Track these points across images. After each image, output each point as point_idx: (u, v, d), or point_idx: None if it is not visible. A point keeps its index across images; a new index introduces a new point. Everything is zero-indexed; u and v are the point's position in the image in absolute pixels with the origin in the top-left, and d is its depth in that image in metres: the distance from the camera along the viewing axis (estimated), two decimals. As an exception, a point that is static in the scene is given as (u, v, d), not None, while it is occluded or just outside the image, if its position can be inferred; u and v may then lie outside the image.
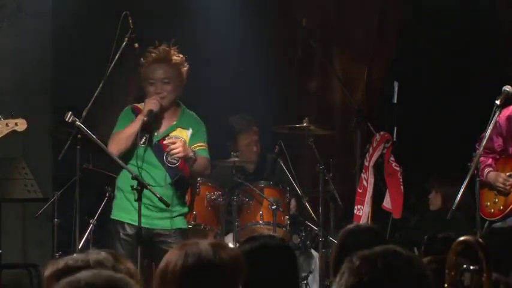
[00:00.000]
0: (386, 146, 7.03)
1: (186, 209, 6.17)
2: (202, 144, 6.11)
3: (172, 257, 2.83)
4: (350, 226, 3.93)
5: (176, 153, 5.90)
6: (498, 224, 5.89)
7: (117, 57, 6.07)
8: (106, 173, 6.86)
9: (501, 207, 5.94)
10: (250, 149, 7.29)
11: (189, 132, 6.10)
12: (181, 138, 6.02)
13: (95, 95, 6.07)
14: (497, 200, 5.96)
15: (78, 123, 5.79)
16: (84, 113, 5.98)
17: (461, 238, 2.32)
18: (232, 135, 7.30)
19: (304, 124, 6.85)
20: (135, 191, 5.68)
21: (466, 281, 2.28)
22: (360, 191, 7.00)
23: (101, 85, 6.08)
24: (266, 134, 7.61)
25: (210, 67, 8.04)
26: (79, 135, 5.97)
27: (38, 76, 8.08)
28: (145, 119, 5.90)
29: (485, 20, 7.83)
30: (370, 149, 7.07)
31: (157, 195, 5.73)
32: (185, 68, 6.08)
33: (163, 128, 6.07)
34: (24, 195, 6.64)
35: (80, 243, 6.29)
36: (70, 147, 6.00)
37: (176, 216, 6.05)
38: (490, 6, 7.73)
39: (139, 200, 5.65)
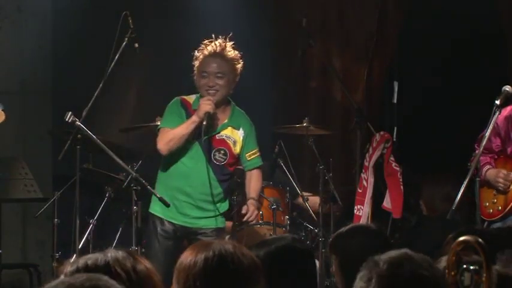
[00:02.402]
0: (386, 146, 7.03)
1: (227, 206, 6.16)
2: (256, 150, 6.15)
3: (199, 254, 2.77)
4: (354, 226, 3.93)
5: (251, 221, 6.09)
6: (497, 225, 5.89)
7: (117, 57, 6.07)
8: (106, 173, 6.86)
9: (500, 208, 5.94)
10: None
11: (240, 132, 6.08)
12: (252, 202, 6.07)
13: (95, 95, 6.06)
14: (495, 200, 5.96)
15: (78, 123, 5.79)
16: (84, 113, 5.98)
17: (461, 238, 2.32)
18: None
19: (304, 124, 6.85)
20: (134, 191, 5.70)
21: (466, 281, 2.28)
22: (360, 191, 7.00)
23: (101, 85, 6.08)
24: (266, 134, 7.61)
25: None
26: (79, 135, 5.98)
27: (38, 76, 8.08)
28: (204, 123, 5.82)
29: (485, 20, 7.83)
30: (370, 149, 7.07)
31: (157, 195, 5.73)
32: (239, 65, 6.06)
33: (214, 126, 6.01)
34: (24, 195, 6.63)
35: (80, 243, 6.29)
36: (70, 147, 6.00)
37: (213, 216, 6.04)
38: (490, 6, 7.73)
39: (139, 200, 5.66)
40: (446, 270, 2.32)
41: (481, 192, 5.92)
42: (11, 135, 7.90)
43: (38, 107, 8.07)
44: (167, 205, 5.75)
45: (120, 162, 5.84)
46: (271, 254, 3.43)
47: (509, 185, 5.92)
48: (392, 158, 7.03)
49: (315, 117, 7.33)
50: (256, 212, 6.07)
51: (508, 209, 5.91)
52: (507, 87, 5.67)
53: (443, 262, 2.95)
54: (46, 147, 7.99)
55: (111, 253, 2.53)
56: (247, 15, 8.22)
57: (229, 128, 6.06)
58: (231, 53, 6.03)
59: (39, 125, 7.86)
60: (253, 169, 6.18)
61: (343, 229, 3.86)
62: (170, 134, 5.92)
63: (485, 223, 5.96)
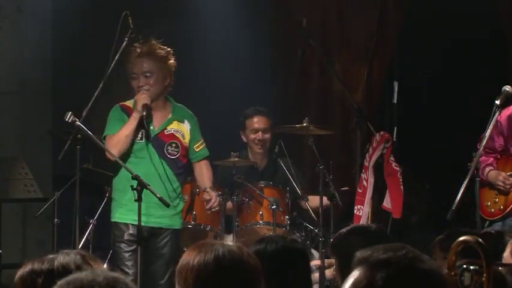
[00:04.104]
0: (386, 146, 7.03)
1: (182, 205, 6.20)
2: (202, 141, 6.24)
3: (201, 255, 2.73)
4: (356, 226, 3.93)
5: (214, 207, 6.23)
6: (498, 224, 5.89)
7: (117, 57, 6.07)
8: (106, 173, 6.86)
9: (501, 207, 5.94)
10: (258, 136, 7.20)
11: (186, 125, 6.16)
12: (215, 193, 6.22)
13: (95, 95, 6.06)
14: (497, 199, 5.97)
15: (78, 123, 5.79)
16: (84, 113, 5.98)
17: (461, 238, 2.31)
18: (242, 122, 7.27)
19: (304, 124, 6.84)
20: (135, 191, 5.68)
21: (466, 281, 2.28)
22: (360, 191, 7.00)
23: (101, 85, 6.08)
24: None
25: (210, 67, 8.04)
26: (79, 135, 5.98)
27: (38, 76, 8.07)
28: (144, 113, 5.94)
29: (485, 20, 7.83)
30: (370, 149, 7.07)
31: (158, 195, 5.72)
32: (171, 61, 6.09)
33: (159, 122, 6.10)
34: (24, 195, 6.63)
35: (80, 243, 6.29)
36: (70, 147, 6.00)
37: (175, 214, 6.06)
38: (490, 6, 7.73)
39: (139, 200, 5.65)
40: (446, 271, 2.31)
41: (482, 192, 5.93)
42: (11, 135, 7.90)
43: (38, 107, 8.06)
44: (167, 205, 5.75)
45: (120, 162, 5.84)
46: (267, 254, 3.43)
47: (509, 188, 5.92)
48: (392, 158, 7.04)
49: (315, 117, 7.33)
50: (218, 198, 6.24)
51: (509, 208, 5.91)
52: (507, 87, 5.68)
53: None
54: (46, 147, 7.99)
55: (61, 256, 2.51)
56: (247, 15, 8.23)
57: (175, 122, 6.15)
58: (159, 51, 6.07)
59: (39, 125, 7.86)
60: (202, 160, 6.26)
61: (343, 229, 3.86)
62: (116, 137, 5.98)
63: (486, 222, 5.97)
